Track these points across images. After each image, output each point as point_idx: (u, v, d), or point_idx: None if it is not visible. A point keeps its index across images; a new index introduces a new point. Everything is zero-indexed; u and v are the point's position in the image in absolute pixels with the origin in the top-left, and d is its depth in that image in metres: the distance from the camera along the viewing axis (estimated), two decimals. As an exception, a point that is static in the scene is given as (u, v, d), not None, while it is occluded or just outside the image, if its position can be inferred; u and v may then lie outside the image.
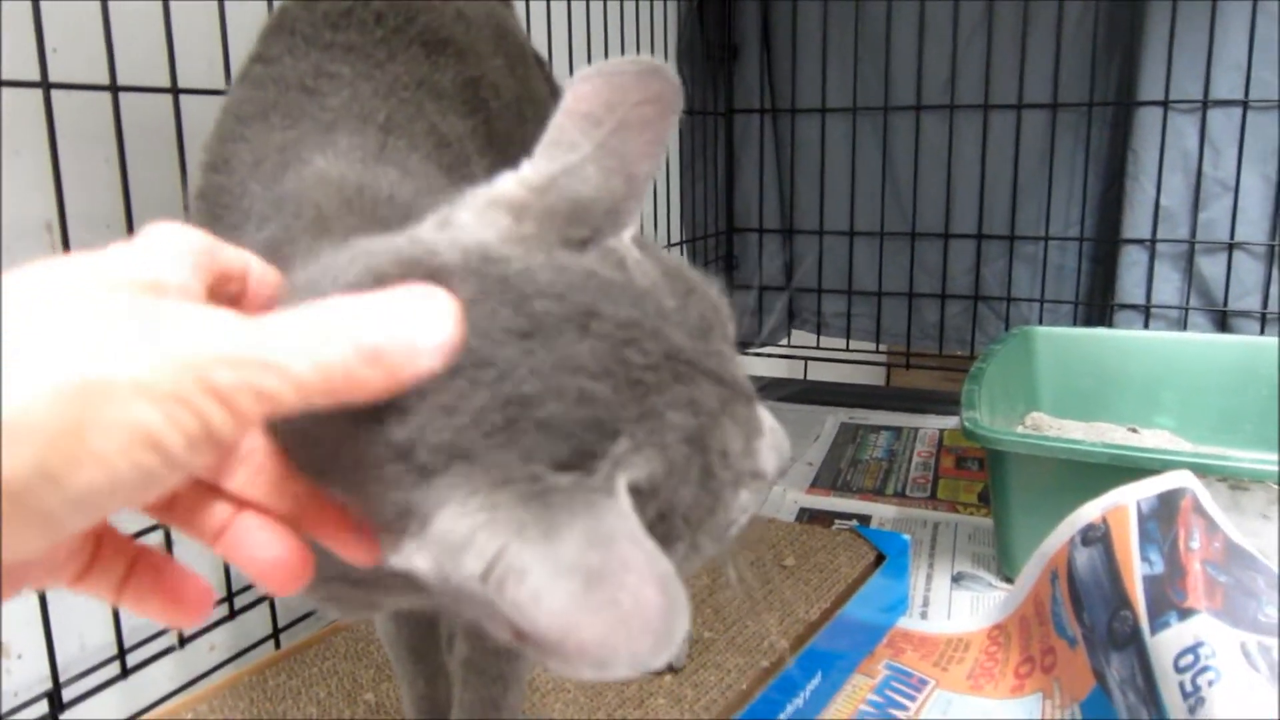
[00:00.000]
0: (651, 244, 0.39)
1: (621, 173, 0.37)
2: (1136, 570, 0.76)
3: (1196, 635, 0.67)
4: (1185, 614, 0.69)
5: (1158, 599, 0.72)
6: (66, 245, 0.77)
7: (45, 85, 0.73)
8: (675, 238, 1.77)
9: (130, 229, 0.81)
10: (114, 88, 0.78)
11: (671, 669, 0.81)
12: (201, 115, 0.83)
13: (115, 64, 0.77)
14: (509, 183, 0.37)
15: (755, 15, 1.85)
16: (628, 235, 0.37)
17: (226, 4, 0.85)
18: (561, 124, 0.37)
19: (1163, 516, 0.78)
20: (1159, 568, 0.75)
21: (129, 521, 0.33)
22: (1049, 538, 0.89)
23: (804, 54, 1.82)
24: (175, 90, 0.82)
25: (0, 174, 0.76)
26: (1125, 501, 0.82)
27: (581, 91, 0.37)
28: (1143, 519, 0.79)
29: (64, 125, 0.75)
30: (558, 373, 0.32)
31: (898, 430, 1.64)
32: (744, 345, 1.81)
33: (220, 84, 0.84)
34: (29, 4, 0.71)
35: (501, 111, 0.60)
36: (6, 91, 0.73)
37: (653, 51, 1.64)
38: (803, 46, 1.82)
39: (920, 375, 1.91)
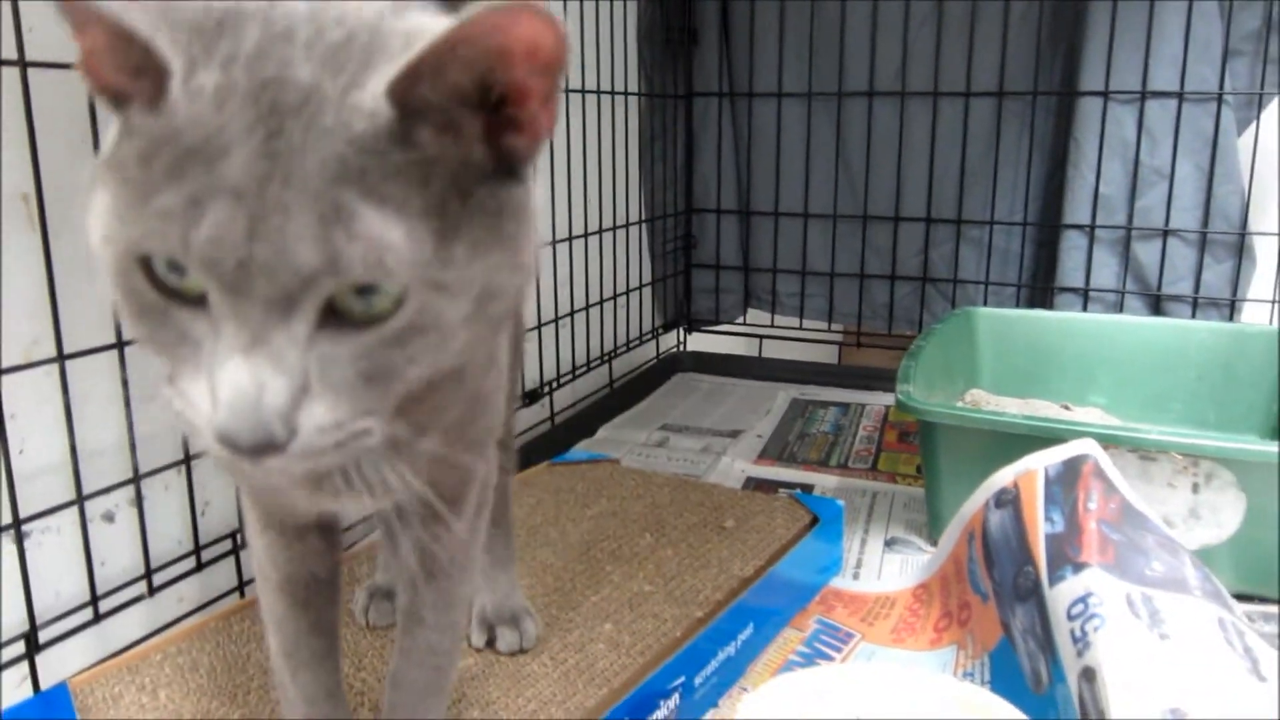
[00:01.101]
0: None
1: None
2: (1040, 529, 0.82)
3: (1087, 586, 0.73)
4: (1079, 568, 0.75)
5: (1056, 555, 0.78)
6: (43, 215, 0.81)
7: (22, 64, 0.77)
8: (635, 217, 1.82)
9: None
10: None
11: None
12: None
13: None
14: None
15: (714, 1, 1.90)
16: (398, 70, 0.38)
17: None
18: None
19: (1066, 481, 0.85)
20: (1059, 527, 0.81)
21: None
22: (967, 502, 0.95)
23: (761, 40, 1.87)
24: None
25: (-24, 146, 0.80)
26: (1035, 467, 0.88)
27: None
28: (1049, 483, 0.86)
29: (39, 101, 0.79)
30: None
31: (846, 406, 1.70)
32: (703, 323, 1.87)
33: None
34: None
35: None
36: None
37: (613, 35, 1.69)
38: (760, 32, 1.87)
39: (871, 354, 1.97)
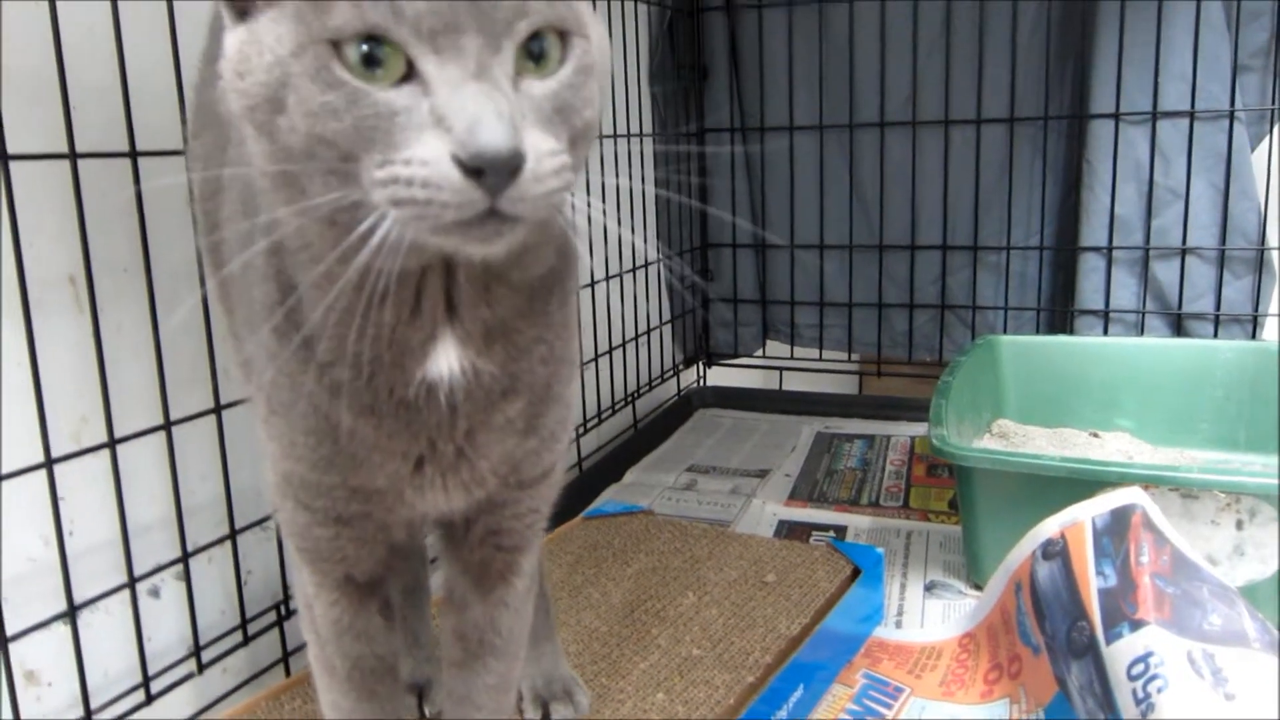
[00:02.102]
0: None
1: None
2: (1092, 583, 0.82)
3: (1147, 645, 0.73)
4: (1136, 625, 0.75)
5: (1111, 611, 0.78)
6: (92, 294, 0.82)
7: (73, 156, 0.78)
8: (652, 254, 1.82)
9: (149, 275, 0.86)
10: (133, 154, 0.82)
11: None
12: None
13: (134, 132, 0.82)
14: None
15: (723, 38, 1.91)
16: None
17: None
18: None
19: (1115, 532, 0.84)
20: (1112, 581, 0.81)
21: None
22: (1013, 551, 0.95)
23: (771, 75, 1.88)
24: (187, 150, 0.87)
25: (17, 235, 0.80)
26: (1081, 518, 0.88)
27: None
28: (1097, 534, 0.85)
29: (87, 187, 0.80)
30: None
31: (870, 439, 1.70)
32: (722, 357, 1.87)
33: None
34: (56, 85, 0.76)
35: None
36: (37, 163, 0.78)
37: (625, 77, 1.69)
38: (770, 67, 1.88)
39: (891, 382, 1.97)
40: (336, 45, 0.42)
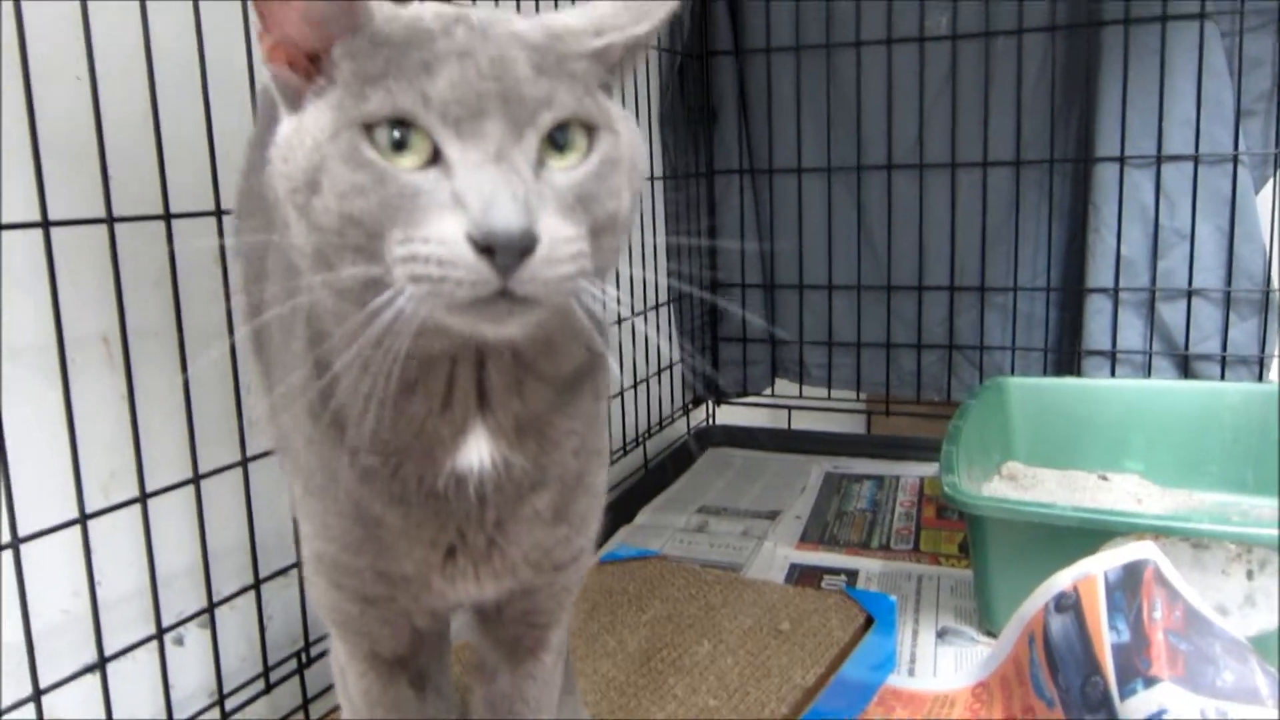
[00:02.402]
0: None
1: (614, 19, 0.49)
2: (1105, 638, 0.83)
3: (1160, 703, 0.74)
4: (1150, 681, 0.76)
5: (1125, 666, 0.79)
6: (127, 355, 0.83)
7: (110, 220, 0.81)
8: (663, 298, 1.84)
9: (180, 334, 0.88)
10: (167, 216, 0.85)
11: None
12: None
13: (168, 195, 0.84)
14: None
15: (732, 81, 1.94)
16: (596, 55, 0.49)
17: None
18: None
19: (1127, 587, 0.86)
20: (1125, 636, 0.82)
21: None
22: (1026, 602, 0.96)
23: (779, 118, 1.91)
24: (219, 213, 0.89)
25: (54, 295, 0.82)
26: (1093, 572, 0.89)
27: None
28: (1109, 589, 0.86)
29: (121, 249, 0.82)
30: None
31: (880, 479, 1.71)
32: (731, 395, 1.88)
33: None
34: (94, 153, 0.78)
35: None
36: (71, 229, 0.80)
37: (636, 115, 1.71)
38: (778, 111, 1.91)
39: (900, 421, 1.98)
40: (369, 129, 0.44)
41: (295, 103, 0.47)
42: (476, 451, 0.52)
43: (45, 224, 0.76)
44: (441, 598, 0.58)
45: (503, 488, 0.54)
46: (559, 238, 0.43)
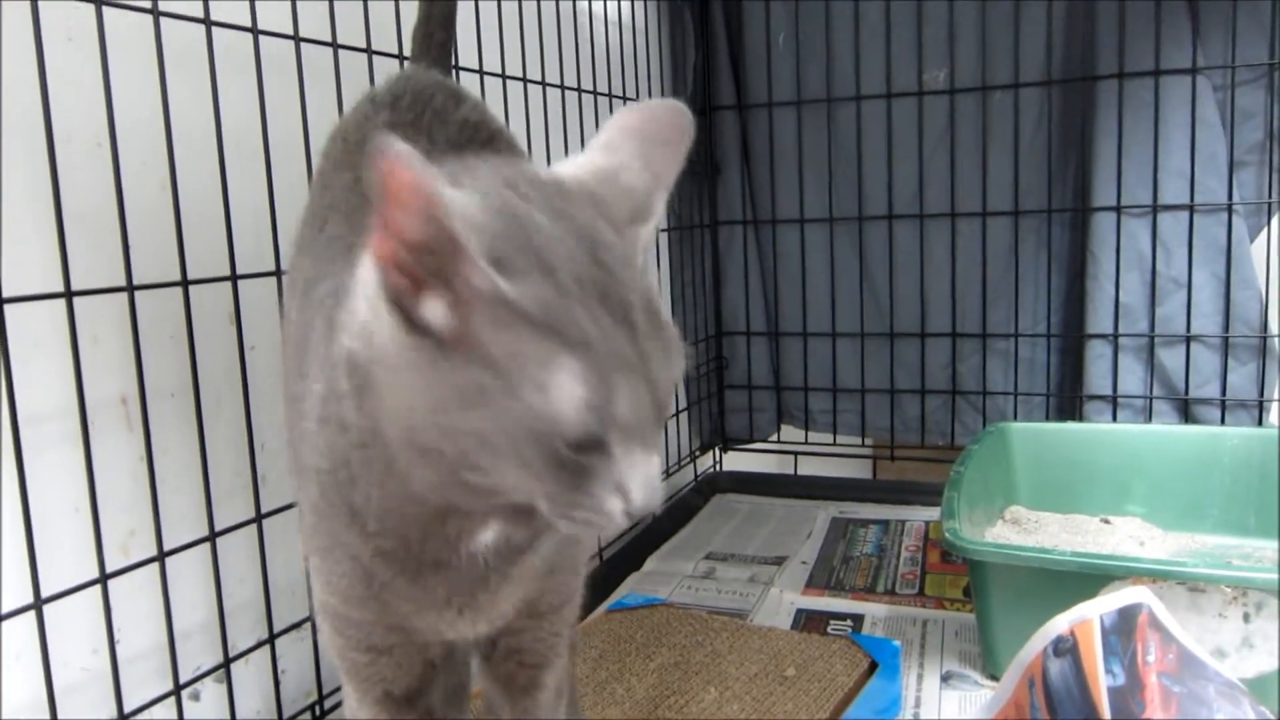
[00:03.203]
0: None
1: (651, 172, 0.52)
2: (1102, 682, 0.84)
3: (1155, 745, 0.76)
4: (1145, 724, 0.78)
5: (1121, 709, 0.81)
6: (145, 416, 0.86)
7: (130, 289, 0.84)
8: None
9: (197, 399, 0.91)
10: (185, 282, 0.88)
11: None
12: (255, 296, 0.94)
13: (186, 261, 0.88)
14: (576, 166, 0.53)
15: (735, 134, 1.98)
16: (652, 224, 0.52)
17: (277, 201, 0.96)
18: (610, 135, 0.54)
19: (1123, 630, 0.87)
20: (1121, 680, 0.83)
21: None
22: (1025, 647, 0.98)
23: (782, 170, 1.95)
24: (234, 278, 0.92)
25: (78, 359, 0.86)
26: (1090, 616, 0.91)
27: (626, 116, 0.54)
28: (1105, 633, 0.88)
29: (139, 314, 0.86)
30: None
31: (885, 524, 1.73)
32: (738, 442, 1.90)
33: (269, 266, 0.95)
34: (116, 220, 0.82)
35: None
36: (95, 298, 0.83)
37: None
38: (780, 163, 1.95)
39: (905, 466, 2.00)
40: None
41: (405, 309, 0.47)
42: (490, 533, 0.55)
43: (69, 294, 0.79)
44: (441, 637, 0.61)
45: (503, 552, 0.57)
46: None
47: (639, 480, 0.48)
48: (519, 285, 0.45)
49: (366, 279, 0.49)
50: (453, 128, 0.72)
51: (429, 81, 0.77)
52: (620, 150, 0.53)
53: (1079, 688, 0.87)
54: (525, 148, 1.33)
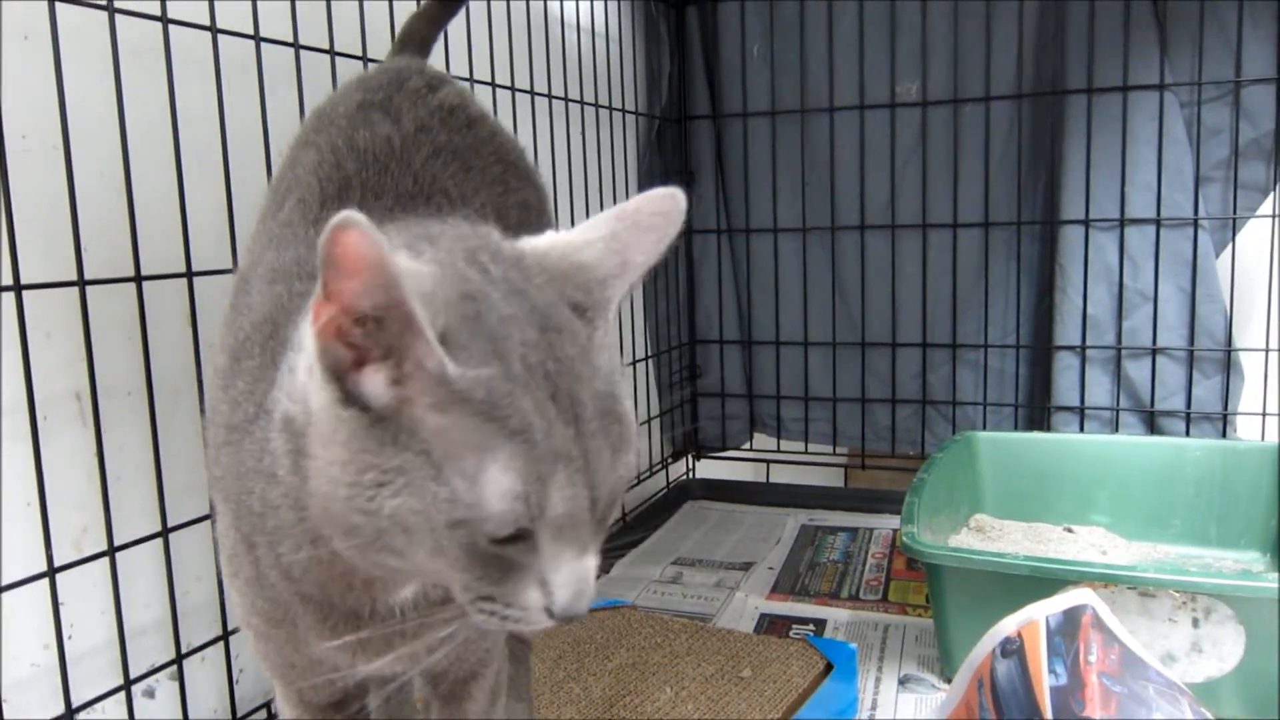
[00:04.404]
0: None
1: (621, 256, 0.51)
2: (1045, 681, 0.85)
3: (1092, 742, 0.77)
4: (1084, 723, 0.79)
5: (1061, 708, 0.82)
6: (96, 412, 0.87)
7: (81, 283, 0.84)
8: (641, 352, 1.88)
9: (151, 395, 0.91)
10: (138, 278, 0.89)
11: None
12: (213, 294, 0.95)
13: (140, 257, 0.88)
14: (544, 239, 0.53)
15: (710, 143, 2.00)
16: (612, 307, 0.51)
17: (235, 200, 0.97)
18: (603, 215, 0.53)
19: (1067, 631, 0.88)
20: (1063, 679, 0.84)
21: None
22: (975, 648, 0.99)
23: (755, 180, 1.97)
24: (190, 274, 0.93)
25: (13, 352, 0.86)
26: (1036, 617, 0.92)
27: (627, 202, 0.53)
28: (1050, 634, 0.89)
29: (93, 309, 0.86)
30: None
31: (854, 531, 1.74)
32: (710, 450, 1.91)
33: (227, 264, 0.95)
34: (67, 212, 0.82)
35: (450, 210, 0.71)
36: (50, 295, 0.84)
37: (614, 182, 1.78)
38: (754, 173, 1.96)
39: (877, 474, 2.02)
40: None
41: (342, 380, 0.46)
42: (410, 588, 0.55)
43: (18, 287, 0.79)
44: (352, 672, 0.61)
45: (422, 606, 0.56)
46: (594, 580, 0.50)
47: (565, 579, 0.47)
48: (465, 366, 0.44)
49: (307, 343, 0.48)
50: (425, 110, 0.72)
51: (411, 66, 0.77)
52: (599, 229, 0.52)
53: (1024, 688, 0.88)
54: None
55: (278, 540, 0.53)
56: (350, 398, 0.45)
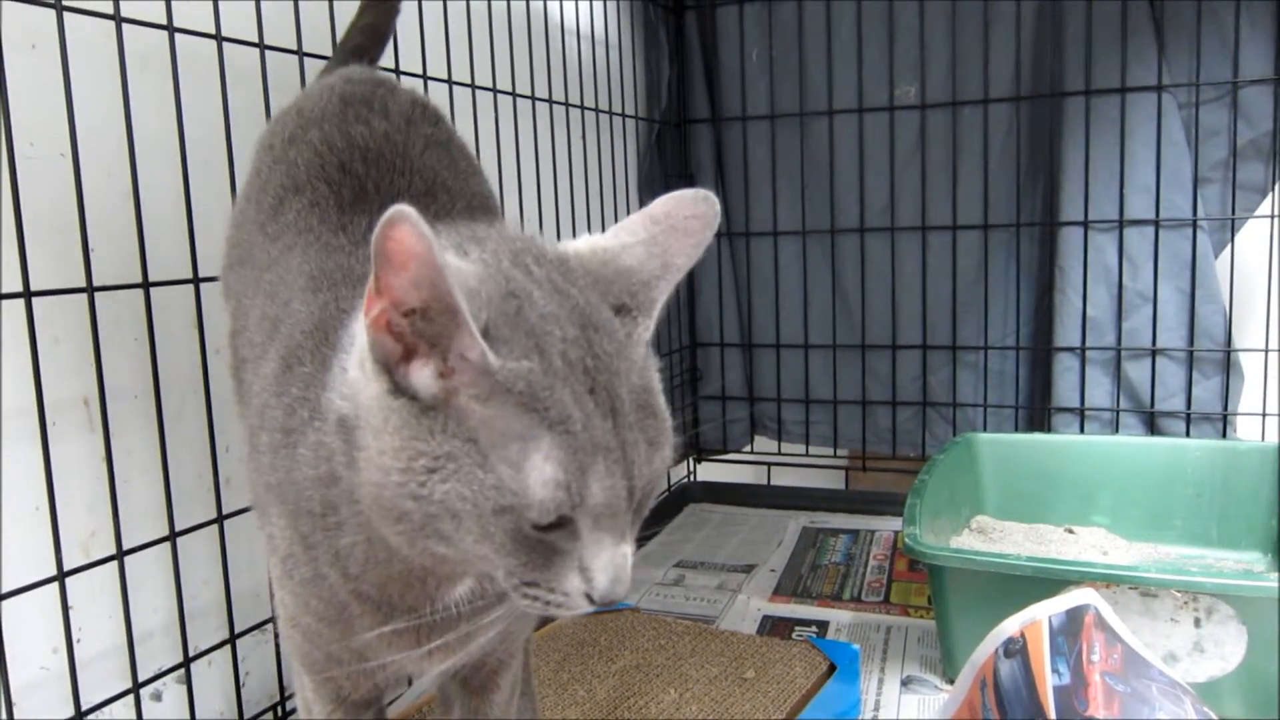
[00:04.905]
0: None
1: (662, 259, 0.53)
2: (1048, 681, 0.86)
3: (1096, 741, 0.77)
4: (1087, 722, 0.79)
5: (1065, 708, 0.82)
6: (105, 417, 0.87)
7: (89, 289, 0.85)
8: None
9: (158, 400, 0.91)
10: (146, 284, 0.89)
11: None
12: (219, 300, 0.95)
13: (147, 263, 0.89)
14: (582, 243, 0.54)
15: (709, 147, 2.00)
16: (657, 308, 0.53)
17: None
18: (634, 219, 0.54)
19: (1069, 631, 0.89)
20: (1066, 679, 0.85)
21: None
22: (978, 648, 0.99)
23: (755, 183, 1.97)
24: (196, 280, 0.93)
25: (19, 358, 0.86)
26: (1039, 617, 0.92)
27: (657, 204, 0.54)
28: (1053, 633, 0.90)
29: (101, 315, 0.86)
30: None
31: (855, 533, 1.74)
32: (711, 452, 1.92)
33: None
34: (75, 219, 0.83)
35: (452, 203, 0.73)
36: (58, 301, 0.84)
37: (615, 183, 1.78)
38: (754, 176, 1.97)
39: (878, 477, 2.02)
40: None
41: (392, 372, 0.48)
42: (466, 584, 0.56)
43: (27, 294, 0.80)
44: (401, 668, 0.63)
45: (478, 603, 0.57)
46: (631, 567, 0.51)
47: (604, 565, 0.49)
48: (507, 360, 0.46)
49: (359, 337, 0.50)
50: (405, 103, 0.75)
51: (376, 73, 0.81)
52: (635, 233, 0.53)
53: (1027, 687, 0.88)
54: (496, 161, 1.34)
55: (336, 538, 0.54)
56: (399, 388, 0.48)
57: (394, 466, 0.47)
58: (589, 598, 0.49)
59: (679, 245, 0.53)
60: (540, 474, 0.46)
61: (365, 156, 0.68)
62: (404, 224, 0.42)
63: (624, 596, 0.50)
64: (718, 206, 0.54)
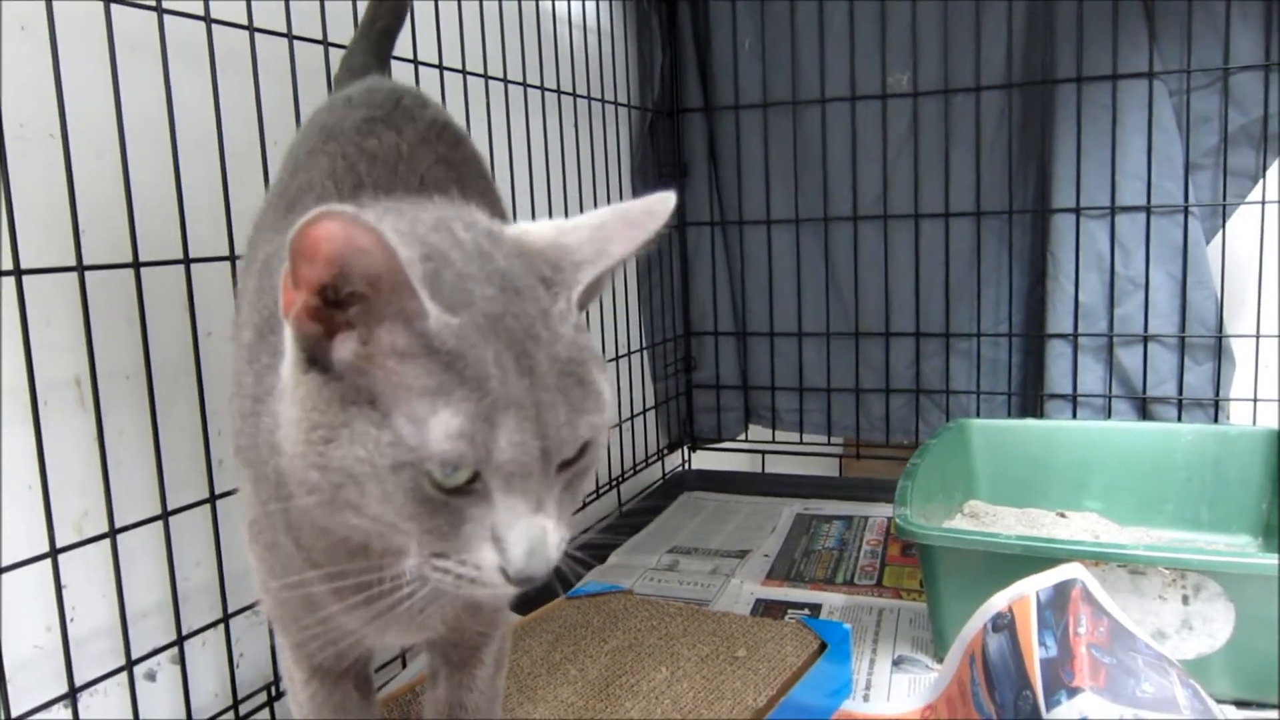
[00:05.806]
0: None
1: (601, 245, 0.53)
2: (1035, 654, 0.87)
3: (1081, 711, 0.78)
4: (1073, 692, 0.80)
5: (1051, 679, 0.83)
6: (96, 396, 0.88)
7: (80, 268, 0.85)
8: (636, 344, 1.90)
9: (150, 380, 0.92)
10: (136, 264, 0.89)
11: None
12: (210, 281, 0.96)
13: (137, 243, 0.89)
14: (534, 225, 0.54)
15: (702, 138, 2.01)
16: (581, 288, 0.52)
17: (231, 186, 0.98)
18: (601, 209, 0.55)
19: (1056, 605, 0.90)
20: (1053, 651, 0.86)
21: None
22: (967, 625, 1.00)
23: (748, 171, 1.98)
24: (187, 261, 0.94)
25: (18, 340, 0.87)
26: (1027, 592, 0.93)
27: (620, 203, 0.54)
28: (1040, 608, 0.91)
29: (92, 295, 0.87)
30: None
31: (849, 519, 1.75)
32: (706, 441, 1.93)
33: (224, 252, 0.96)
34: (65, 199, 0.83)
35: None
36: (49, 281, 0.85)
37: (608, 175, 1.79)
38: (747, 164, 1.98)
39: (872, 464, 2.03)
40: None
41: (313, 353, 0.49)
42: (415, 558, 0.55)
43: (18, 272, 0.80)
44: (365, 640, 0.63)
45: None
46: (561, 546, 0.50)
47: (519, 535, 0.47)
48: (433, 316, 0.46)
49: (287, 335, 0.50)
50: (423, 125, 0.75)
51: (399, 86, 0.81)
52: (591, 219, 0.54)
53: (1014, 661, 0.89)
54: (488, 148, 1.35)
55: (289, 507, 0.54)
56: (311, 362, 0.48)
57: (297, 438, 0.48)
58: (505, 574, 0.47)
59: (622, 234, 0.53)
60: (445, 427, 0.45)
61: (373, 162, 0.69)
62: (323, 215, 0.43)
63: (545, 576, 0.48)
64: (671, 205, 0.54)
